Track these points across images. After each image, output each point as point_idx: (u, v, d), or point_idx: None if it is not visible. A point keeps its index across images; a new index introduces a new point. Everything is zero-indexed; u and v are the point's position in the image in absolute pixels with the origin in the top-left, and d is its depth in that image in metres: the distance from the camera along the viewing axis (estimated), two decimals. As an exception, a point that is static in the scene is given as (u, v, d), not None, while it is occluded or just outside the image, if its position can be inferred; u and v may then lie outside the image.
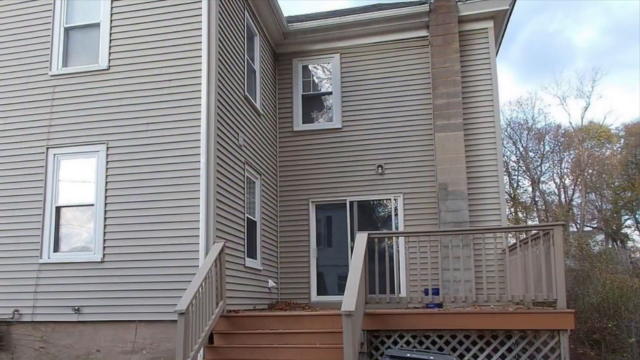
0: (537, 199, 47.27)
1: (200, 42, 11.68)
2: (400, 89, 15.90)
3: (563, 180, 48.37)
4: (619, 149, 46.47)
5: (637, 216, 43.93)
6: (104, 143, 11.88)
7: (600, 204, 46.35)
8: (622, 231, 44.14)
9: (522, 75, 71.65)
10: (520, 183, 47.98)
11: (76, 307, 11.38)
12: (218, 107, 11.61)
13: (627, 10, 65.01)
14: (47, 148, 12.18)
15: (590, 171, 46.08)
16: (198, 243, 10.93)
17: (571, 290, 13.58)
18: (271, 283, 14.56)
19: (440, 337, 9.33)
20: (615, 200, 43.37)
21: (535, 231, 10.02)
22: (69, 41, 12.80)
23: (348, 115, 16.12)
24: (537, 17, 70.20)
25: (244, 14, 13.95)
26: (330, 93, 16.62)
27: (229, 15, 12.77)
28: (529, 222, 44.00)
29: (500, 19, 15.78)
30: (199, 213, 11.02)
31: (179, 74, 11.78)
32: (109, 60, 12.23)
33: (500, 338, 9.07)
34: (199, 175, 11.15)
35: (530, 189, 47.52)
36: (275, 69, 16.85)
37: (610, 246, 38.61)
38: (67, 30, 12.81)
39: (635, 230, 44.94)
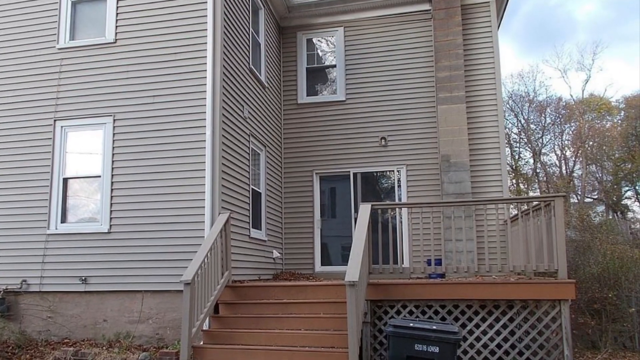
0: (538, 171, 47.23)
1: (206, 15, 11.75)
2: (404, 62, 15.94)
3: (564, 152, 48.35)
4: (619, 121, 46.38)
5: (637, 187, 43.96)
6: (110, 115, 11.99)
7: (600, 175, 46.34)
8: (623, 202, 44.18)
9: (523, 48, 71.36)
10: (521, 155, 48.01)
11: (83, 278, 11.54)
12: (223, 79, 11.66)
13: (628, -17, 64.60)
14: (55, 120, 12.30)
15: (590, 143, 46.02)
16: (204, 214, 11.04)
17: (572, 261, 13.65)
18: (276, 253, 14.68)
19: (443, 306, 9.45)
20: (615, 171, 43.31)
21: (537, 202, 10.09)
22: (76, 14, 12.88)
23: (352, 87, 16.17)
24: (539, -11, 69.78)
25: (248, -13, 13.97)
26: (334, 66, 16.63)
27: (234, -12, 12.80)
28: (531, 194, 44.11)
29: (503, -8, 15.82)
30: (204, 184, 11.11)
31: (185, 46, 11.87)
32: (116, 33, 12.33)
33: (502, 308, 9.18)
34: (205, 147, 11.25)
35: (531, 160, 47.49)
36: (280, 42, 16.87)
37: (610, 217, 38.69)
38: (75, 4, 12.90)
39: (635, 201, 44.98)
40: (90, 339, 11.31)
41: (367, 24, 16.39)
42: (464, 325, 9.30)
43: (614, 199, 43.71)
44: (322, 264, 15.69)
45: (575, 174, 47.08)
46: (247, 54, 13.61)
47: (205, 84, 11.49)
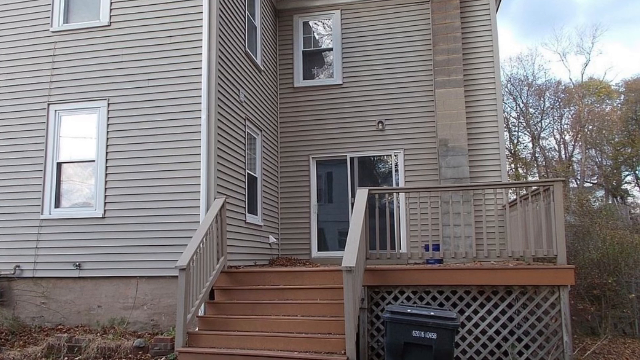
0: (537, 155, 47.20)
1: (201, -2, 11.63)
2: (401, 45, 15.79)
3: (563, 136, 48.32)
4: (619, 105, 46.28)
5: (637, 172, 43.92)
6: (105, 99, 11.89)
7: (600, 160, 46.30)
8: (622, 187, 44.16)
9: (522, 31, 71.25)
10: (520, 139, 47.93)
11: (77, 263, 11.48)
12: (219, 63, 11.54)
13: (628, -36, 64.34)
14: (48, 104, 12.21)
15: (590, 127, 45.96)
16: (199, 199, 10.96)
17: (571, 246, 13.58)
18: (272, 239, 14.59)
19: (441, 292, 9.35)
20: (615, 156, 43.27)
21: (536, 187, 9.96)
22: (70, -3, 12.78)
23: (349, 71, 16.03)
24: (538, -28, 69.50)
25: (243, -32, 13.79)
26: (331, 49, 16.48)
27: (229, -31, 12.63)
28: (529, 178, 44.07)
29: (502, -26, 15.66)
30: (199, 169, 11.04)
31: (180, 29, 11.75)
32: (110, 16, 12.22)
33: (500, 294, 9.08)
34: (200, 131, 11.15)
35: (530, 145, 47.47)
36: (276, 25, 16.71)
37: (610, 202, 38.66)
38: (68, -14, 12.79)
39: (635, 186, 44.98)
40: (84, 325, 11.25)
41: (364, 7, 16.21)
42: (462, 312, 9.21)
43: (614, 183, 43.71)
44: (319, 249, 15.60)
45: (574, 159, 47.12)
46: (243, 37, 13.46)
47: (201, 68, 11.37)
